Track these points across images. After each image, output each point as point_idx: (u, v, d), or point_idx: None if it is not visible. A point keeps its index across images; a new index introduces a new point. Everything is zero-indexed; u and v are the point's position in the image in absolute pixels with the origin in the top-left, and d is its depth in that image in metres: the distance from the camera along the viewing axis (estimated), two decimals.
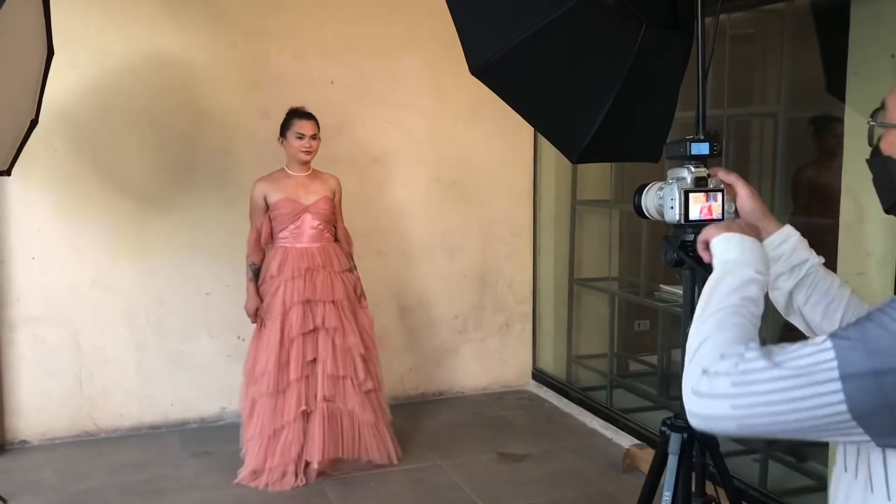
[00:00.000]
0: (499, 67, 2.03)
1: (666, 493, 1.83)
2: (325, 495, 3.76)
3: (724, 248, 1.28)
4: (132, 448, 4.36)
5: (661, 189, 1.72)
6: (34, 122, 3.05)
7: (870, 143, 1.22)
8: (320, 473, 3.87)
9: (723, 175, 1.60)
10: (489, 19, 2.05)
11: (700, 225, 1.55)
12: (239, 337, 4.60)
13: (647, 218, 1.79)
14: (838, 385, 0.97)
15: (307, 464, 3.84)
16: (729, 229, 1.32)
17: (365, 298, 4.08)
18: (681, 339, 1.93)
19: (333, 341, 3.82)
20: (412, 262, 5.07)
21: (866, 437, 1.00)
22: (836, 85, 3.11)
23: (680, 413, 1.91)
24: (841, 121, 3.09)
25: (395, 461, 4.02)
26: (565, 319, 5.16)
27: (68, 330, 4.42)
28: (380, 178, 4.92)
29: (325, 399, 3.79)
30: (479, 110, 4.92)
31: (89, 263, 4.42)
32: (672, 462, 1.85)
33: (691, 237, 1.64)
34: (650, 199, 1.76)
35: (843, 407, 0.98)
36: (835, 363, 0.98)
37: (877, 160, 1.20)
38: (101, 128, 4.38)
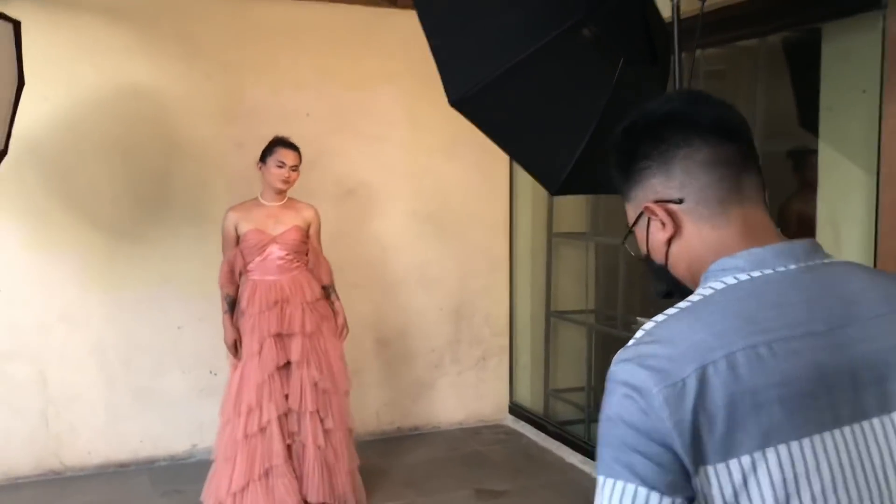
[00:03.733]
0: (478, 99, 2.02)
1: None
2: None
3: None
4: (100, 487, 4.24)
5: None
6: (3, 153, 2.99)
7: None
8: None
9: None
10: (468, 52, 2.05)
11: None
12: (211, 372, 4.51)
13: None
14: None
15: None
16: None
17: (346, 332, 3.96)
18: None
19: (303, 376, 3.71)
20: (388, 294, 5.02)
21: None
22: (809, 120, 3.14)
23: None
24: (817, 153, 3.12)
25: None
26: (542, 352, 5.13)
27: (35, 365, 4.31)
28: (355, 210, 4.89)
29: (296, 435, 3.68)
30: (455, 143, 4.92)
31: (58, 297, 4.33)
32: None
33: None
34: None
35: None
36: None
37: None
38: (71, 159, 4.32)
